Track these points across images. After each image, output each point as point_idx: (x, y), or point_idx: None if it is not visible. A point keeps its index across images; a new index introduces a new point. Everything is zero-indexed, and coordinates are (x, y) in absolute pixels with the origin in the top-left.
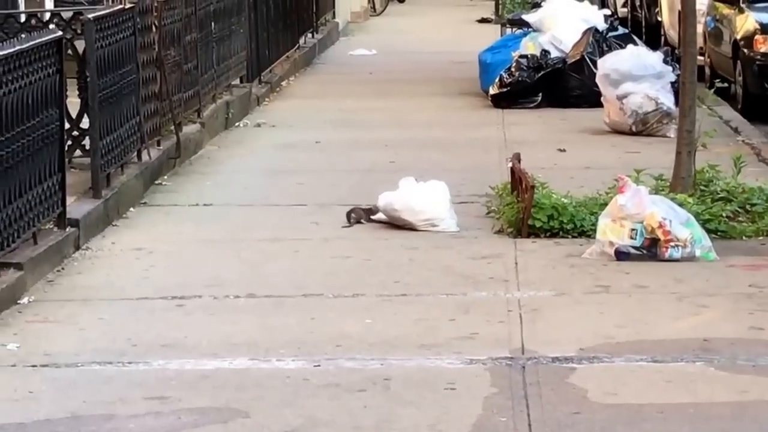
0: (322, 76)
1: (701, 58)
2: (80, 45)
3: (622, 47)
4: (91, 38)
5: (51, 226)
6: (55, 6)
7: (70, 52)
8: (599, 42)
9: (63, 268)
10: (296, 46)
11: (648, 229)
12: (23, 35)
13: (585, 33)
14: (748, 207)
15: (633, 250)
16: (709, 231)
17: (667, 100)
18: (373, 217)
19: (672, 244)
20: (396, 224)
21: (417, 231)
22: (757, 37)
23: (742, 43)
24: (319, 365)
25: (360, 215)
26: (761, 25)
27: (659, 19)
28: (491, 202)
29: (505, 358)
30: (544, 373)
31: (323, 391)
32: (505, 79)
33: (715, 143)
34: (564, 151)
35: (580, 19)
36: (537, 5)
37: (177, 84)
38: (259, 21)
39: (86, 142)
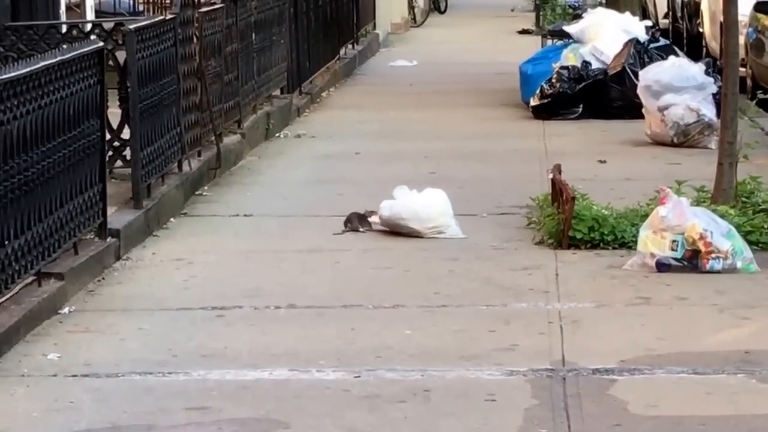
0: (363, 87)
1: (743, 69)
2: (121, 56)
3: (663, 58)
4: (132, 49)
5: (92, 237)
6: (97, 17)
7: (111, 62)
8: (640, 53)
9: (103, 279)
10: (337, 57)
11: (689, 240)
12: (65, 46)
13: (626, 44)
14: None
15: (674, 262)
16: (750, 243)
17: (709, 112)
18: (369, 219)
19: (713, 255)
20: (400, 232)
21: (433, 239)
22: None
23: None
24: (359, 376)
25: (356, 225)
26: None
27: (700, 30)
28: (532, 214)
29: (546, 369)
30: (585, 384)
31: (363, 402)
32: (545, 90)
33: (757, 155)
34: (605, 162)
35: (621, 30)
36: (578, 16)
37: (218, 95)
38: (299, 32)
39: (127, 152)
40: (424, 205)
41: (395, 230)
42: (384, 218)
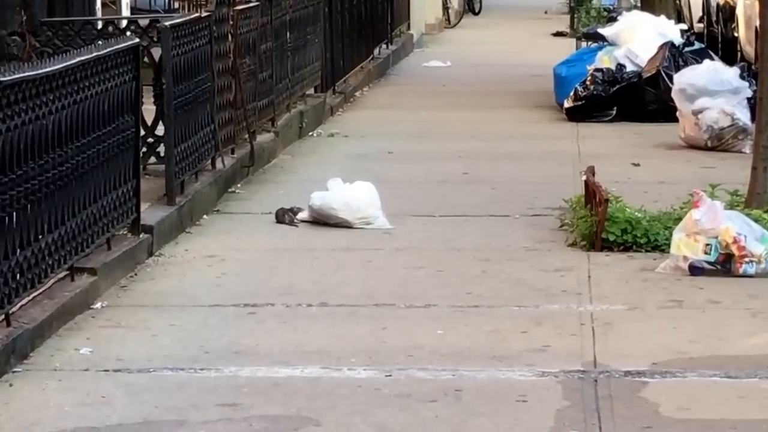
0: (396, 87)
1: None
2: (156, 53)
3: (698, 62)
4: (167, 46)
5: (125, 232)
6: (132, 14)
7: (146, 59)
8: (675, 57)
9: (136, 274)
10: (370, 57)
11: (722, 244)
12: (100, 42)
13: (661, 47)
14: None
15: (707, 265)
16: None
17: (743, 116)
18: (297, 217)
19: (746, 259)
20: (329, 222)
21: (357, 230)
22: None
23: None
24: (390, 375)
25: (291, 218)
26: None
27: (736, 34)
28: (565, 215)
29: (577, 371)
30: (616, 386)
31: (395, 401)
32: (579, 93)
33: None
34: (638, 165)
35: (656, 34)
36: (613, 19)
37: (252, 93)
38: (334, 31)
39: (161, 149)
40: (354, 196)
41: (324, 221)
42: (315, 207)
